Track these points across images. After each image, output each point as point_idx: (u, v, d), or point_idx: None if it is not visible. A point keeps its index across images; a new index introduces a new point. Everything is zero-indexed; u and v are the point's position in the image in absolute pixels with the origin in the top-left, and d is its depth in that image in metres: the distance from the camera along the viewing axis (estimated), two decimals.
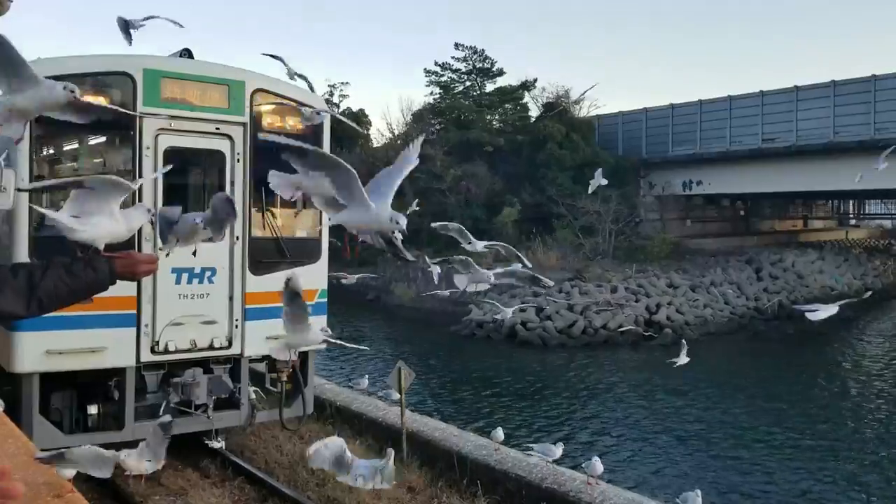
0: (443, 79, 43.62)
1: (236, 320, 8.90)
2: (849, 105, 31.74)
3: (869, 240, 47.88)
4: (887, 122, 30.09)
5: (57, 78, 8.12)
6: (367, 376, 12.76)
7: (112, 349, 8.10)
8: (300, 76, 8.92)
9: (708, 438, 16.26)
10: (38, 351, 7.73)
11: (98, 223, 2.94)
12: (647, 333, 26.51)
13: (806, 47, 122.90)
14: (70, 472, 4.57)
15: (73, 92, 2.79)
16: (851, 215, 51.81)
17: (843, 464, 14.83)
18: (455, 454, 9.55)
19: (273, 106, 9.31)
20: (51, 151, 9.84)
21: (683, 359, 9.68)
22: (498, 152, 38.52)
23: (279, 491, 8.82)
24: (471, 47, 42.67)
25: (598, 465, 8.26)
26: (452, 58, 43.07)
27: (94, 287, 2.93)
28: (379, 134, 46.25)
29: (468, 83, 43.55)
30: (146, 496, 8.81)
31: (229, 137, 8.82)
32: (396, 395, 10.32)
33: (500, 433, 9.36)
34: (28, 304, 2.80)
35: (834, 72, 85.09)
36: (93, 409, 8.38)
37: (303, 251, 9.52)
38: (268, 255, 9.15)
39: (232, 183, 8.83)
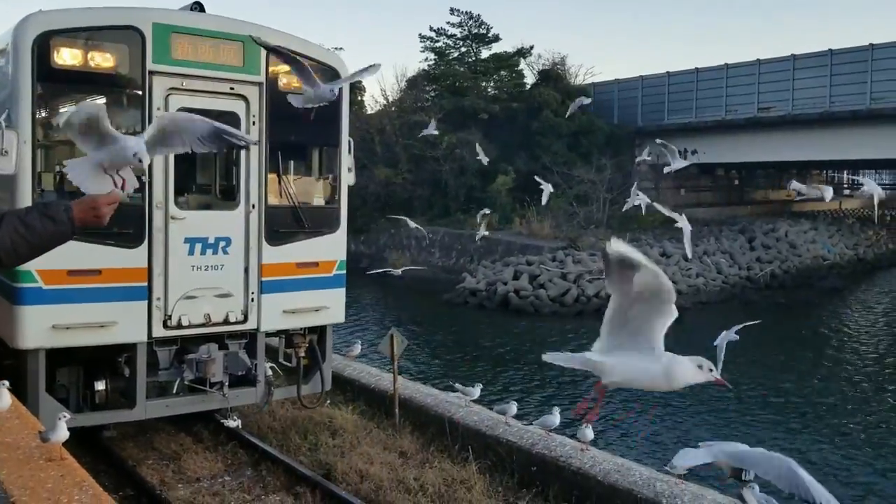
0: (438, 44, 43.17)
1: (252, 293, 8.50)
2: (845, 74, 31.62)
3: (862, 210, 47.97)
4: (884, 92, 30.02)
5: (58, 32, 7.85)
6: (359, 343, 12.76)
7: (122, 324, 7.73)
8: None
9: (698, 405, 16.42)
10: (44, 326, 7.39)
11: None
12: None
13: (803, 15, 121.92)
14: (63, 436, 4.55)
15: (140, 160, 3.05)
16: (846, 185, 51.84)
17: (829, 424, 15.19)
18: (447, 420, 9.60)
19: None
20: (54, 112, 9.53)
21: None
22: (493, 120, 38.30)
23: (271, 455, 8.86)
24: (466, 13, 42.24)
25: (588, 432, 8.34)
26: (448, 23, 42.64)
27: (55, 238, 2.75)
28: (373, 100, 45.94)
29: (463, 49, 43.12)
30: (139, 460, 8.85)
31: (244, 98, 8.34)
32: (476, 394, 9.86)
33: (513, 407, 9.34)
34: None
35: (831, 40, 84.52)
36: (100, 386, 8.06)
37: (321, 220, 9.09)
38: (285, 224, 8.74)
39: (247, 147, 8.36)
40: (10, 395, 4.93)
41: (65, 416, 4.50)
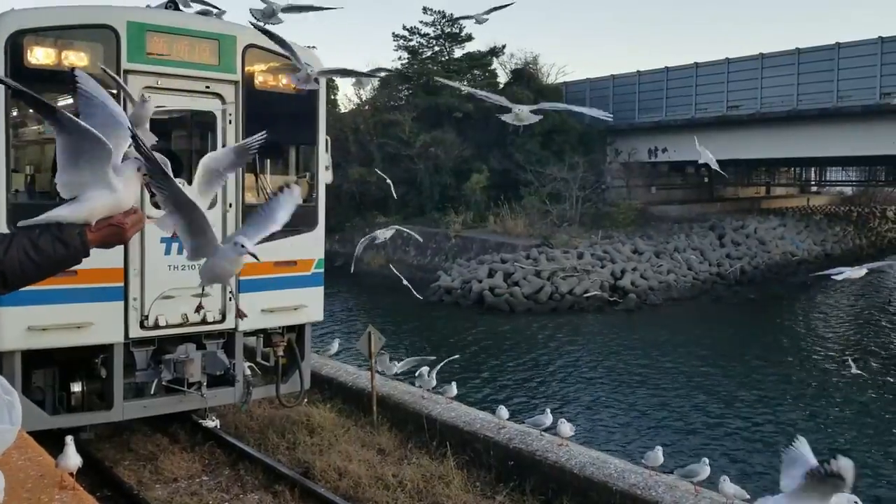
0: (411, 43, 43.11)
1: (230, 293, 8.44)
2: (812, 73, 32.11)
3: (830, 206, 48.77)
4: (850, 90, 30.55)
5: (31, 31, 7.75)
6: (336, 341, 12.78)
7: (99, 325, 7.68)
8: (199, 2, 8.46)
9: (669, 399, 16.66)
10: (19, 327, 7.31)
11: (92, 198, 2.58)
12: (611, 299, 26.93)
13: (772, 15, 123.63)
14: (76, 462, 4.39)
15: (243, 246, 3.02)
16: (813, 182, 52.64)
17: (794, 415, 15.59)
18: (425, 416, 9.68)
19: (266, 63, 8.80)
20: (28, 112, 9.42)
21: None
22: (467, 118, 38.36)
23: (249, 454, 8.86)
24: (439, 12, 42.20)
25: (565, 427, 8.45)
26: (421, 22, 42.58)
27: (65, 263, 2.63)
28: (346, 99, 45.79)
29: (437, 48, 43.11)
30: (116, 461, 8.81)
31: (220, 97, 8.33)
32: (453, 391, 9.93)
33: (504, 411, 9.37)
34: None
35: (799, 39, 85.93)
36: (76, 388, 7.99)
37: (299, 219, 9.06)
38: None
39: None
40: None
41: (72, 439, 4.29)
